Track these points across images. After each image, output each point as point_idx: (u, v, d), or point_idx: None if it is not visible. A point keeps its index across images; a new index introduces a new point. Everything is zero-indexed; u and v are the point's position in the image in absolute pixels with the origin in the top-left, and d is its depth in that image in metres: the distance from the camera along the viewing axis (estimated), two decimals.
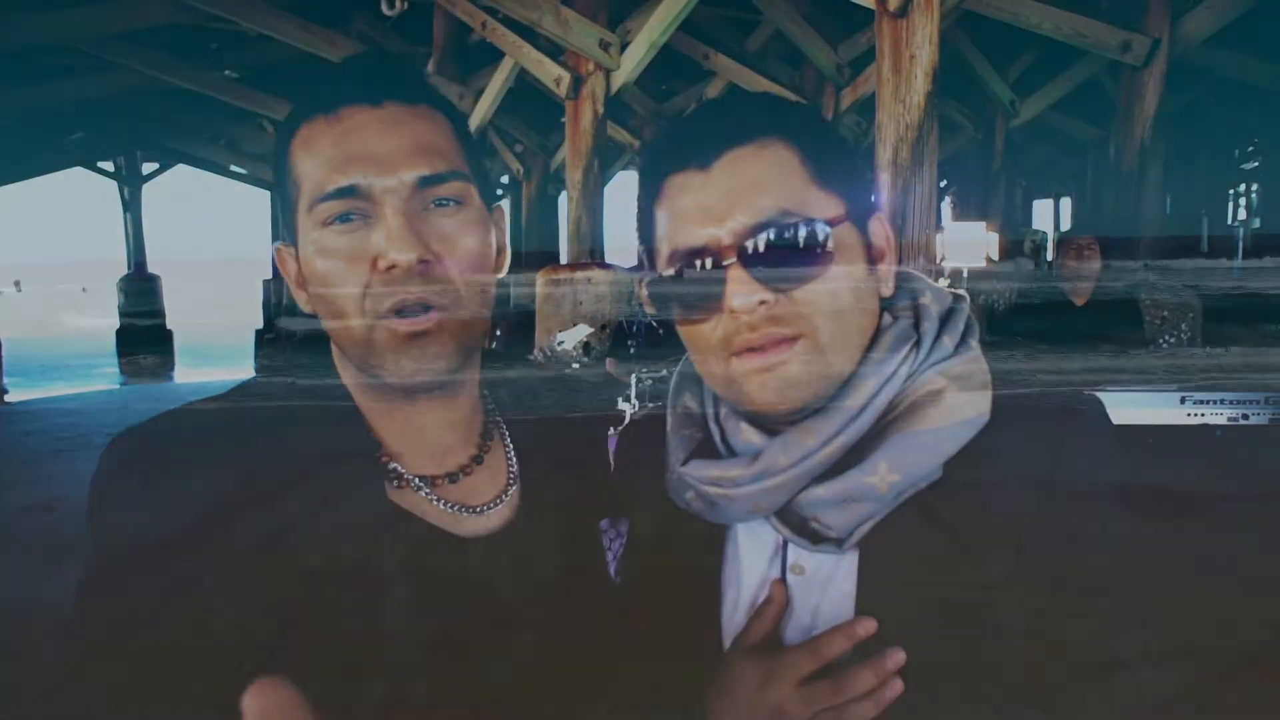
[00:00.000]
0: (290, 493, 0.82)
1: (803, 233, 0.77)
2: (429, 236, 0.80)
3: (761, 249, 0.76)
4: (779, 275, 0.76)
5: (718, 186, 0.78)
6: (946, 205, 13.72)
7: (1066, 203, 18.46)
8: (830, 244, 0.78)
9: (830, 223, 0.78)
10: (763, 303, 0.76)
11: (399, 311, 0.80)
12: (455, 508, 0.88)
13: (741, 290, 0.76)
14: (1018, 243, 7.74)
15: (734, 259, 0.76)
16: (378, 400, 0.87)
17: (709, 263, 0.78)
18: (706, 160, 0.79)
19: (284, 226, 0.85)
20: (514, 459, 0.94)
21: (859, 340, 0.80)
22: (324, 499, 0.83)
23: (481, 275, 0.84)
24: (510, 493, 0.92)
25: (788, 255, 0.77)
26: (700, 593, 0.89)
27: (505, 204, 14.03)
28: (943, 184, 13.01)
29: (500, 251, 0.88)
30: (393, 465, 0.87)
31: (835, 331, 0.78)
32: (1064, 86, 8.47)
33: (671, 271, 0.80)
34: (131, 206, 14.63)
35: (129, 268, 14.59)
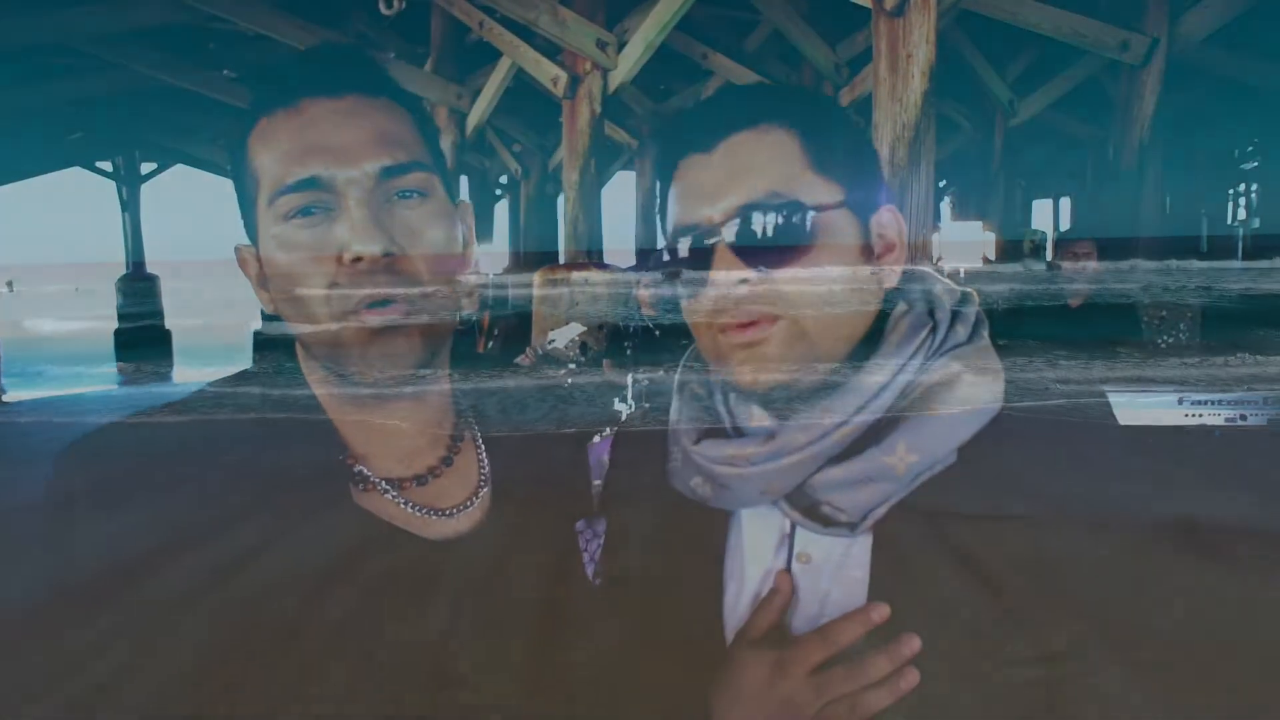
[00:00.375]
0: (253, 497, 0.81)
1: (789, 216, 0.78)
2: (394, 229, 0.78)
3: (747, 229, 0.78)
4: (763, 255, 0.78)
5: (716, 168, 0.80)
6: (946, 205, 13.70)
7: (1066, 202, 18.43)
8: (818, 228, 0.79)
9: (821, 208, 0.79)
10: (743, 281, 0.78)
11: (365, 306, 0.78)
12: (424, 511, 0.86)
13: (724, 268, 0.78)
14: (1017, 243, 7.70)
15: (719, 238, 0.79)
16: (343, 400, 0.85)
17: (701, 240, 0.80)
18: (710, 144, 0.81)
19: (243, 225, 0.84)
20: (485, 460, 0.92)
21: (849, 327, 0.81)
22: (288, 503, 0.82)
23: (448, 269, 0.82)
24: (481, 495, 0.90)
25: (773, 236, 0.78)
26: (700, 587, 0.88)
27: (504, 204, 14.00)
28: (942, 184, 12.98)
29: (467, 246, 0.86)
30: (358, 468, 0.85)
31: (821, 315, 0.79)
32: (1063, 86, 8.44)
33: (672, 249, 0.82)
34: (130, 206, 14.60)
35: (127, 268, 14.56)
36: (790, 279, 0.78)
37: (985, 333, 0.86)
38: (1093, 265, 3.73)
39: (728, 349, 0.80)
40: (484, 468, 0.91)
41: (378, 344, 0.79)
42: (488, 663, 0.86)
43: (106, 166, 14.54)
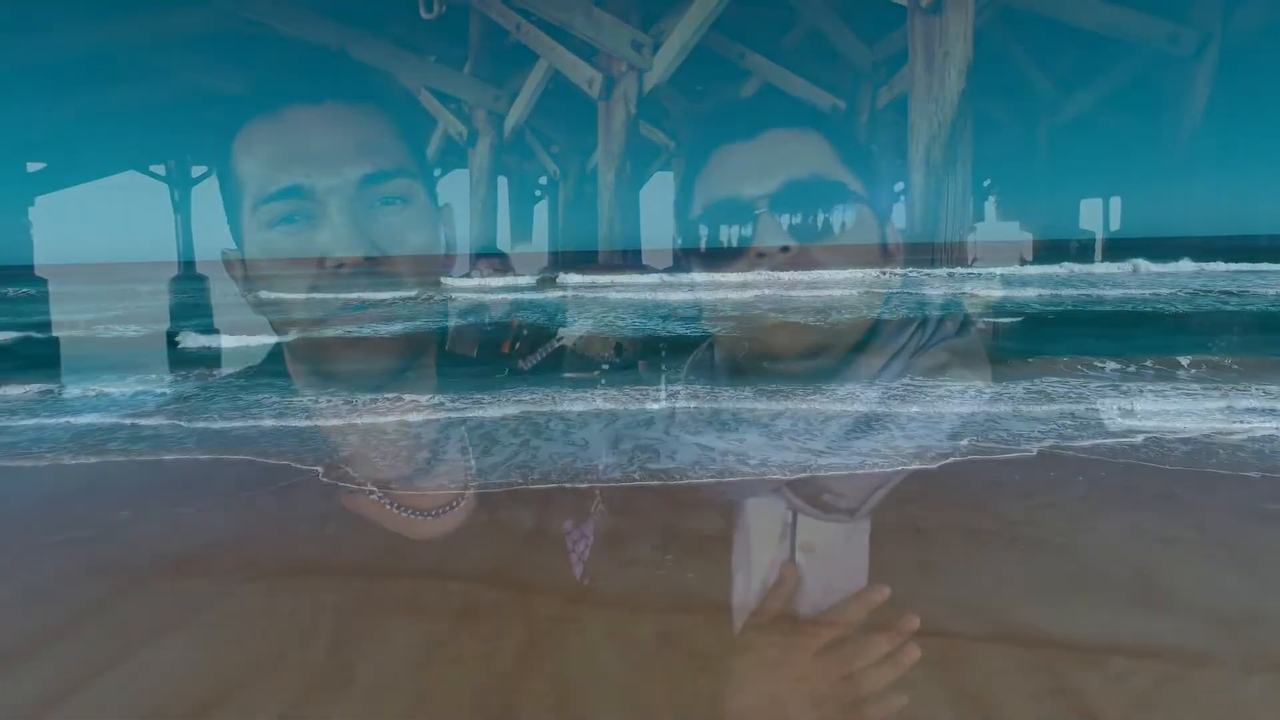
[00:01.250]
0: (238, 502, 0.82)
1: (830, 195, 0.85)
2: (375, 234, 0.79)
3: (791, 203, 0.84)
4: (804, 226, 0.85)
5: (757, 151, 0.87)
6: (990, 205, 13.45)
7: (1116, 202, 17.96)
8: (850, 213, 0.86)
9: (857, 196, 0.86)
10: (785, 249, 0.84)
11: (346, 310, 0.79)
12: (410, 512, 0.87)
13: (768, 235, 0.84)
14: (1062, 243, 7.54)
15: (764, 208, 0.84)
16: (329, 402, 0.86)
17: (741, 215, 0.85)
18: (749, 134, 0.87)
19: (229, 230, 0.85)
20: (472, 461, 0.92)
21: (869, 306, 0.88)
22: (277, 507, 0.83)
23: (431, 273, 0.83)
24: (467, 495, 0.90)
25: (814, 211, 0.84)
26: (707, 579, 0.90)
27: (534, 207, 14.05)
28: (986, 183, 12.74)
29: (450, 250, 0.87)
30: (344, 470, 0.86)
31: (849, 287, 0.83)
32: (1110, 82, 8.23)
33: (703, 222, 0.87)
34: (181, 209, 14.97)
35: (179, 268, 14.94)
36: (828, 251, 0.85)
37: (972, 330, 0.91)
38: (1144, 269, 3.64)
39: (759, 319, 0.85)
40: (470, 468, 0.91)
41: (361, 347, 0.80)
42: (481, 660, 0.86)
43: (160, 170, 14.94)
